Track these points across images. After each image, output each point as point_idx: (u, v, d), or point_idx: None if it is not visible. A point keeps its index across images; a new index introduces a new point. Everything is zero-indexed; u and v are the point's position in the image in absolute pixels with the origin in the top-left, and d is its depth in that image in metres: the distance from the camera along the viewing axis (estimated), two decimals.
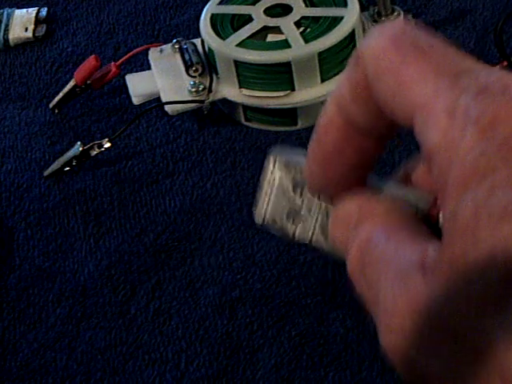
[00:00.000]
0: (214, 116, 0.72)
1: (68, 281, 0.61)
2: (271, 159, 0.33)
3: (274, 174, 0.34)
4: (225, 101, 0.70)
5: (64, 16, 0.86)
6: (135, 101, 0.71)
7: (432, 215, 0.30)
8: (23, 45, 0.83)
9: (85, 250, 0.63)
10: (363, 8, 0.72)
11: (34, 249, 0.64)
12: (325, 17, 0.69)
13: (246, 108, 0.70)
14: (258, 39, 0.69)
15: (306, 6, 0.70)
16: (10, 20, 0.84)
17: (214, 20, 0.70)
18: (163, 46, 0.73)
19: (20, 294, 0.61)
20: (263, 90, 0.68)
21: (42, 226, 0.65)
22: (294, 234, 0.33)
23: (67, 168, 0.69)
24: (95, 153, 0.68)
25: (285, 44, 0.67)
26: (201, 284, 0.59)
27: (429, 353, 0.25)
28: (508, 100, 0.24)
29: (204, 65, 0.70)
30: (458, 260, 0.24)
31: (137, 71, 0.75)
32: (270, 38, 0.69)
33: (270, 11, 0.71)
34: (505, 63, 0.72)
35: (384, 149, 0.29)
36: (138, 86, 0.71)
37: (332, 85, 0.68)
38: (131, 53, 0.75)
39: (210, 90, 0.69)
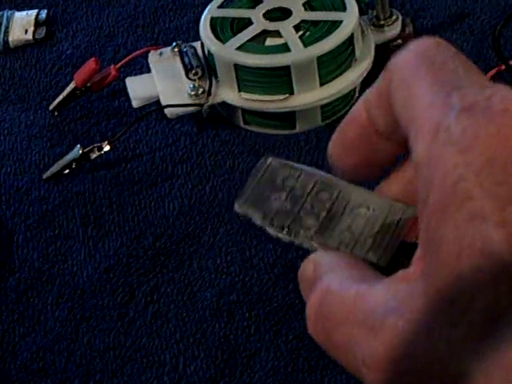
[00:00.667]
0: (213, 119, 0.72)
1: (67, 283, 0.62)
2: (268, 158, 0.34)
3: (268, 164, 0.34)
4: (224, 104, 0.70)
5: (64, 18, 0.86)
6: (135, 104, 0.71)
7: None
8: (23, 47, 0.83)
9: (84, 252, 0.64)
10: (362, 12, 0.72)
11: (33, 251, 0.64)
12: (324, 21, 0.69)
13: (244, 111, 0.70)
14: (257, 43, 0.69)
15: (306, 9, 0.71)
16: (10, 22, 0.84)
17: (214, 23, 0.71)
18: (163, 49, 0.73)
19: (19, 296, 0.61)
20: (262, 94, 0.68)
21: (41, 229, 0.66)
22: (272, 220, 0.33)
23: (67, 171, 0.69)
24: (95, 156, 0.68)
25: (284, 48, 0.67)
26: (199, 287, 0.60)
27: None
28: (489, 119, 0.24)
29: (203, 68, 0.70)
30: (438, 295, 0.24)
31: (136, 74, 0.75)
32: (270, 41, 0.70)
33: (270, 15, 0.71)
34: (502, 67, 0.72)
35: (401, 152, 0.30)
36: (138, 88, 0.72)
37: (330, 88, 0.68)
38: (131, 56, 0.76)
39: (209, 94, 0.69)
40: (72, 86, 0.74)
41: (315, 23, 0.69)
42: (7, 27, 0.84)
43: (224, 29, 0.70)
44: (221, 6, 0.72)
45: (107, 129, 0.73)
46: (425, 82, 0.27)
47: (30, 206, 0.68)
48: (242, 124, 0.71)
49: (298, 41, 0.67)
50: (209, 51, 0.70)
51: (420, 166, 0.25)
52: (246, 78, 0.68)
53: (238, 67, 0.67)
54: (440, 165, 0.24)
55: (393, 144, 0.30)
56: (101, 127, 0.73)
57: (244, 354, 0.56)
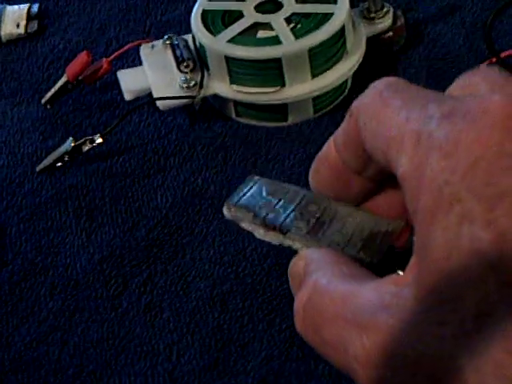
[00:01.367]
0: (205, 111, 0.72)
1: (60, 275, 0.62)
2: (255, 176, 0.35)
3: (256, 180, 0.35)
4: (216, 96, 0.70)
5: (56, 12, 0.86)
6: (127, 96, 0.71)
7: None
8: (15, 41, 0.83)
9: (77, 244, 0.64)
10: (353, 4, 0.73)
11: (26, 243, 0.64)
12: (315, 13, 0.69)
13: (236, 104, 0.70)
14: (248, 35, 0.69)
15: (297, 2, 0.71)
16: (2, 16, 0.84)
17: (205, 16, 0.71)
18: (155, 42, 0.74)
19: (12, 288, 0.61)
20: (254, 86, 0.68)
21: (34, 221, 0.66)
22: (263, 220, 0.33)
23: (59, 163, 0.69)
24: (87, 148, 0.69)
25: (275, 40, 0.67)
26: (192, 278, 0.60)
27: None
28: (469, 123, 0.25)
29: (195, 61, 0.70)
30: (429, 295, 0.25)
31: (128, 67, 0.75)
32: (261, 34, 0.70)
33: (261, 7, 0.71)
34: (494, 59, 0.72)
35: (373, 187, 0.32)
36: (130, 81, 0.72)
37: (322, 81, 0.68)
38: (123, 49, 0.76)
39: (201, 86, 0.69)
40: (64, 79, 0.74)
41: (306, 15, 0.69)
42: None
43: (215, 21, 0.70)
44: None
45: (99, 121, 0.73)
46: (394, 106, 0.28)
47: (23, 198, 0.68)
48: (234, 116, 0.72)
49: (290, 33, 0.67)
50: (200, 44, 0.70)
51: (406, 178, 0.26)
52: (238, 70, 0.68)
53: (229, 59, 0.67)
54: (426, 171, 0.25)
55: (365, 180, 0.32)
56: (93, 120, 0.73)
57: (237, 344, 0.56)
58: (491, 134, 0.24)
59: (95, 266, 0.62)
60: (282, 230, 0.33)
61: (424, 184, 0.25)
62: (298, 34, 0.67)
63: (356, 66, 0.70)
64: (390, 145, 0.27)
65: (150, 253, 0.62)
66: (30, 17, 0.84)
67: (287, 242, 0.33)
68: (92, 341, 0.58)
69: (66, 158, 0.69)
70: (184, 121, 0.72)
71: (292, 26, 0.69)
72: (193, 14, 0.71)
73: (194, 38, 0.71)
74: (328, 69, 0.69)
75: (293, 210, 0.34)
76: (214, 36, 0.69)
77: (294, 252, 0.33)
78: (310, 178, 0.34)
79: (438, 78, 0.73)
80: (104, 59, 0.74)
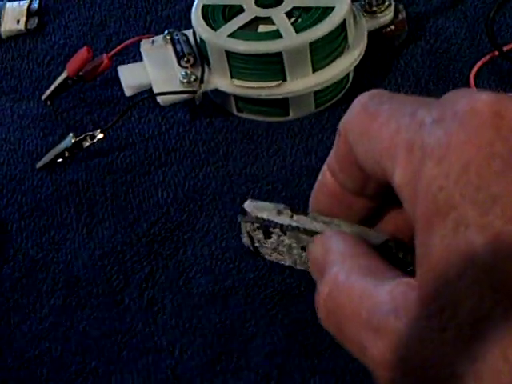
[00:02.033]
0: (205, 107, 0.72)
1: (62, 271, 0.62)
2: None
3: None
4: (216, 91, 0.70)
5: (56, 8, 0.86)
6: (127, 92, 0.71)
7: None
8: (15, 37, 0.83)
9: (78, 240, 0.63)
10: None
11: (27, 240, 0.64)
12: (316, 7, 0.69)
13: (237, 98, 0.70)
14: (249, 30, 0.69)
15: None
16: (2, 12, 0.84)
17: (206, 11, 0.70)
18: (155, 38, 0.73)
19: (14, 284, 0.61)
20: (255, 81, 0.68)
21: (35, 218, 0.66)
22: (282, 226, 0.33)
23: (60, 159, 0.69)
24: (88, 144, 0.68)
25: (276, 34, 0.67)
26: (194, 273, 0.60)
27: None
28: (459, 125, 0.25)
29: (196, 55, 0.70)
30: (430, 302, 0.25)
31: (129, 62, 0.75)
32: (262, 28, 0.70)
33: (262, 2, 0.71)
34: (496, 53, 0.72)
35: (374, 206, 0.32)
36: (130, 77, 0.72)
37: (323, 75, 0.68)
38: (123, 44, 0.75)
39: (201, 81, 0.69)
40: (64, 75, 0.74)
41: (307, 10, 0.69)
42: None
43: (216, 16, 0.70)
44: None
45: (100, 117, 0.73)
46: (382, 118, 0.28)
47: (24, 195, 0.67)
48: (234, 111, 0.71)
49: (290, 27, 0.67)
50: (201, 39, 0.70)
51: (402, 188, 0.26)
52: (239, 64, 0.68)
53: (229, 54, 0.67)
54: (421, 179, 0.25)
55: (365, 199, 0.32)
56: (93, 116, 0.73)
57: (240, 339, 0.56)
58: (481, 134, 0.24)
59: (96, 262, 0.62)
60: (306, 212, 0.33)
61: (420, 192, 0.25)
62: (298, 29, 0.67)
63: (357, 61, 0.70)
64: (384, 157, 0.27)
65: (152, 249, 0.62)
66: (30, 13, 0.84)
67: (308, 224, 0.33)
68: (94, 337, 0.57)
69: (67, 154, 0.68)
70: (185, 116, 0.72)
71: (293, 20, 0.69)
72: (193, 9, 0.71)
73: (194, 32, 0.71)
74: (329, 63, 0.68)
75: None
76: (215, 31, 0.68)
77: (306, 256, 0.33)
78: (310, 210, 0.34)
79: (440, 72, 0.72)
80: (104, 55, 0.74)
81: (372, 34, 0.72)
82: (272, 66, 0.67)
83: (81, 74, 0.73)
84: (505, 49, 0.72)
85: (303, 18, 0.69)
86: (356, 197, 0.32)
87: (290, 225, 0.33)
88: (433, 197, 0.24)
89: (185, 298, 0.58)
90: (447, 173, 0.24)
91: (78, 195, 0.67)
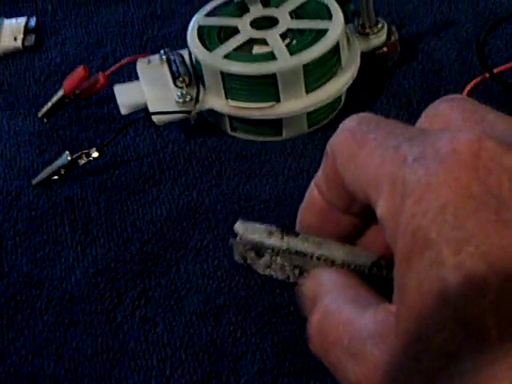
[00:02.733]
0: (200, 126, 0.73)
1: (55, 288, 0.62)
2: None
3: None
4: (211, 111, 0.71)
5: (53, 26, 0.87)
6: (123, 111, 0.72)
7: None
8: (12, 54, 0.84)
9: (72, 257, 0.64)
10: (348, 20, 0.73)
11: (22, 256, 0.65)
12: (310, 29, 0.70)
13: (232, 118, 0.71)
14: (244, 51, 0.70)
15: (292, 18, 0.72)
16: (0, 30, 0.85)
17: (201, 32, 0.71)
18: (151, 57, 0.74)
19: (8, 301, 0.62)
20: (249, 101, 0.69)
21: (30, 234, 0.66)
22: (273, 250, 0.34)
23: (55, 177, 0.69)
24: (83, 162, 0.69)
25: (270, 56, 0.68)
26: (186, 292, 0.60)
27: None
28: (438, 165, 0.25)
29: (191, 76, 0.71)
30: (405, 333, 0.26)
31: (125, 81, 0.75)
32: (256, 49, 0.71)
33: (257, 23, 0.72)
34: (487, 75, 0.73)
35: (361, 223, 0.33)
36: (126, 96, 0.72)
37: (316, 96, 0.69)
38: (119, 63, 0.76)
39: (196, 101, 0.70)
40: (61, 93, 0.74)
41: (301, 31, 0.70)
42: None
43: (211, 37, 0.71)
44: (208, 15, 0.73)
45: (96, 135, 0.74)
46: (369, 148, 0.28)
47: (19, 211, 0.68)
48: (229, 131, 0.72)
49: (285, 49, 0.68)
50: (196, 59, 0.70)
51: (384, 221, 0.27)
52: (233, 85, 0.68)
53: (224, 75, 0.68)
54: (401, 216, 0.26)
55: (353, 217, 0.32)
56: (89, 134, 0.74)
57: (230, 358, 0.56)
58: (459, 175, 0.25)
59: (90, 279, 0.62)
60: (296, 233, 0.34)
61: (400, 228, 0.26)
62: (292, 50, 0.68)
63: (350, 82, 0.71)
64: (368, 187, 0.28)
65: (145, 266, 0.63)
66: (27, 30, 0.85)
67: (298, 245, 0.34)
68: (86, 354, 0.58)
69: (63, 172, 0.69)
70: (179, 135, 0.73)
71: (287, 42, 0.70)
72: (189, 30, 0.72)
73: (190, 53, 0.72)
74: (322, 84, 0.69)
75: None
76: (210, 52, 0.69)
77: (307, 272, 0.34)
78: (297, 228, 0.35)
79: (431, 93, 0.73)
80: (100, 73, 0.74)
81: (365, 56, 0.73)
82: (266, 88, 0.68)
83: (77, 92, 0.74)
84: (495, 71, 0.73)
85: (297, 39, 0.70)
86: (343, 214, 0.32)
87: (281, 247, 0.34)
88: (411, 234, 0.25)
89: (176, 316, 0.59)
90: (425, 211, 0.25)
91: (73, 212, 0.67)
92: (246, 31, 0.71)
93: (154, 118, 0.70)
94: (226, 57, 0.68)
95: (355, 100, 0.74)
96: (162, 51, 0.73)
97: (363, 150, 0.28)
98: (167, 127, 0.73)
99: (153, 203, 0.67)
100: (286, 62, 0.67)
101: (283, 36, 0.70)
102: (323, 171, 0.31)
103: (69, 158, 0.69)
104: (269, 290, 0.59)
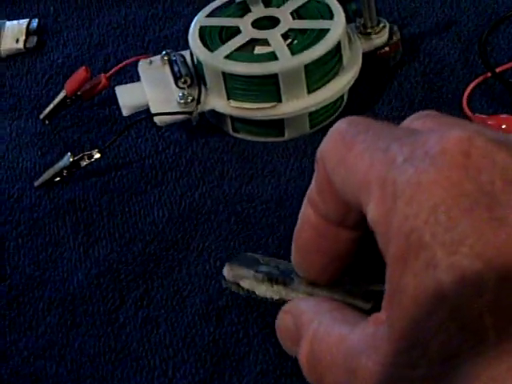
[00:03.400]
0: (202, 127, 0.73)
1: (58, 289, 0.62)
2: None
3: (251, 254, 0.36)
4: (213, 112, 0.71)
5: (55, 28, 0.87)
6: (124, 112, 0.72)
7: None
8: (14, 56, 0.84)
9: (74, 258, 0.64)
10: (349, 20, 0.73)
11: (24, 258, 0.65)
12: (311, 29, 0.70)
13: (233, 119, 0.71)
14: (245, 51, 0.70)
15: (294, 18, 0.71)
16: (1, 31, 0.85)
17: (203, 32, 0.71)
18: (152, 58, 0.74)
19: (10, 302, 0.62)
20: (251, 102, 0.69)
21: (32, 236, 0.66)
22: (266, 273, 0.34)
23: (57, 178, 0.69)
24: (85, 163, 0.69)
25: (272, 56, 0.68)
26: (188, 292, 0.60)
27: None
28: (428, 165, 0.25)
29: (193, 76, 0.71)
30: (400, 339, 0.25)
31: (126, 82, 0.75)
32: (258, 50, 0.70)
33: (258, 24, 0.72)
34: (489, 74, 0.73)
35: (358, 236, 0.32)
36: (128, 97, 0.72)
37: (318, 96, 0.69)
38: (121, 64, 0.76)
39: (198, 102, 0.70)
40: (62, 94, 0.75)
41: (303, 31, 0.70)
42: None
43: (213, 37, 0.71)
44: (209, 15, 0.73)
45: (97, 137, 0.74)
46: (358, 150, 0.28)
47: (21, 213, 0.68)
48: (231, 132, 0.72)
49: (286, 49, 0.68)
50: (198, 60, 0.70)
51: (375, 224, 0.27)
52: (235, 86, 0.68)
53: (226, 75, 0.68)
54: (393, 219, 0.26)
55: (349, 230, 0.32)
56: (91, 135, 0.74)
57: (233, 358, 0.56)
58: (450, 174, 0.25)
59: (92, 280, 0.62)
60: (285, 282, 0.34)
61: (392, 231, 0.25)
62: (294, 50, 0.68)
63: (352, 82, 0.71)
64: (359, 190, 0.27)
65: (147, 267, 0.63)
66: (29, 32, 0.85)
67: (290, 295, 0.34)
68: (89, 355, 0.58)
69: (65, 173, 0.69)
70: (181, 136, 0.73)
71: (289, 41, 0.70)
72: (190, 30, 0.72)
73: (191, 53, 0.72)
74: (324, 84, 0.69)
75: (291, 271, 0.34)
76: (212, 52, 0.69)
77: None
78: (293, 256, 0.34)
79: (433, 93, 0.73)
80: (102, 75, 0.75)
81: (366, 56, 0.73)
82: (268, 88, 0.68)
83: (79, 93, 0.74)
84: (498, 70, 0.73)
85: (299, 39, 0.70)
86: (339, 228, 0.31)
87: (272, 297, 0.34)
88: (404, 236, 0.25)
89: (179, 317, 0.59)
90: (417, 213, 0.25)
91: (75, 214, 0.67)
92: (247, 31, 0.71)
93: (156, 119, 0.70)
94: (228, 57, 0.68)
95: (357, 100, 0.74)
96: (163, 52, 0.73)
97: (352, 152, 0.28)
98: (169, 128, 0.73)
99: (155, 204, 0.67)
100: (287, 62, 0.67)
101: (285, 36, 0.70)
102: (315, 181, 0.31)
103: (71, 160, 0.69)
104: None
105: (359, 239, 0.32)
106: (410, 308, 0.25)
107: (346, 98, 0.73)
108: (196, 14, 0.73)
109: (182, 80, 0.70)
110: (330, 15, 0.70)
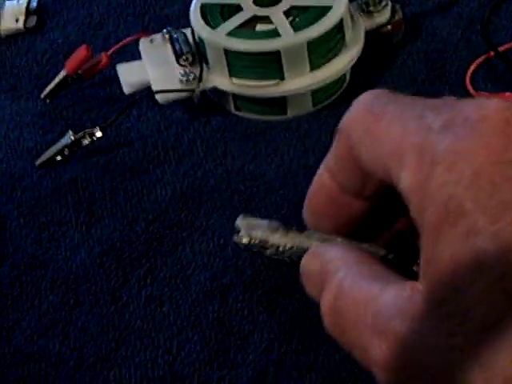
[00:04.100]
0: (204, 105, 0.72)
1: (60, 268, 0.62)
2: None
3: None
4: (215, 90, 0.70)
5: (54, 7, 0.86)
6: (126, 90, 0.71)
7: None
8: (14, 36, 0.83)
9: (77, 238, 0.64)
10: None
11: (26, 237, 0.64)
12: (313, 6, 0.69)
13: (236, 97, 0.71)
14: (247, 29, 0.69)
15: None
16: (1, 11, 0.84)
17: (204, 9, 0.71)
18: (153, 36, 0.74)
19: (13, 281, 0.62)
20: (253, 79, 0.68)
21: (34, 215, 0.66)
22: (278, 247, 0.34)
23: (59, 157, 0.69)
24: (86, 142, 0.69)
25: (274, 33, 0.67)
26: (192, 270, 0.60)
27: None
28: (469, 132, 0.25)
29: (194, 54, 0.70)
30: (437, 308, 0.25)
31: (127, 61, 0.75)
32: (260, 27, 0.70)
33: (260, 1, 0.71)
34: (491, 53, 0.72)
35: (370, 207, 0.32)
36: (129, 75, 0.72)
37: (321, 74, 0.68)
38: (122, 43, 0.76)
39: (200, 79, 0.69)
40: (63, 73, 0.74)
41: (305, 9, 0.70)
42: None
43: (214, 15, 0.70)
44: None
45: (99, 116, 0.73)
46: (388, 119, 0.27)
47: (23, 192, 0.68)
48: (233, 110, 0.72)
49: (288, 26, 0.67)
50: (199, 37, 0.70)
51: (410, 192, 0.26)
52: (237, 63, 0.68)
53: (228, 53, 0.68)
54: (430, 186, 0.25)
55: (363, 201, 0.31)
56: (92, 114, 0.74)
57: (237, 336, 0.56)
58: (491, 141, 0.24)
59: (95, 259, 0.62)
60: (300, 230, 0.33)
61: (428, 198, 0.25)
62: (296, 27, 0.67)
63: (355, 60, 0.71)
64: (390, 160, 0.27)
65: (150, 246, 0.62)
66: (28, 12, 0.84)
67: (304, 242, 0.33)
68: (92, 334, 0.58)
69: (66, 152, 0.69)
70: (183, 115, 0.72)
71: (291, 19, 0.69)
72: (192, 8, 0.71)
73: (192, 31, 0.71)
74: (327, 62, 0.69)
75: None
76: (213, 29, 0.69)
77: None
78: (304, 215, 0.33)
79: (435, 72, 0.73)
80: (103, 53, 0.74)
81: (369, 34, 0.73)
82: (270, 65, 0.67)
83: (80, 72, 0.74)
84: (500, 49, 0.72)
85: (301, 17, 0.69)
86: (354, 198, 0.31)
87: (285, 245, 0.34)
88: (443, 203, 0.24)
89: (183, 295, 0.59)
90: (458, 179, 0.24)
91: (77, 193, 0.67)
92: (249, 8, 0.70)
93: (158, 97, 0.69)
94: (230, 34, 0.68)
95: (359, 79, 0.73)
96: (164, 30, 0.73)
97: (381, 122, 0.27)
98: (171, 107, 0.72)
99: (157, 183, 0.67)
100: (289, 39, 0.67)
101: (287, 13, 0.69)
102: (335, 152, 0.30)
103: (72, 138, 0.68)
104: (275, 268, 0.59)
105: (371, 212, 0.32)
106: (448, 274, 0.24)
107: (348, 76, 0.73)
108: None
109: (184, 58, 0.70)
110: None
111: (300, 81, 0.68)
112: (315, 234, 0.33)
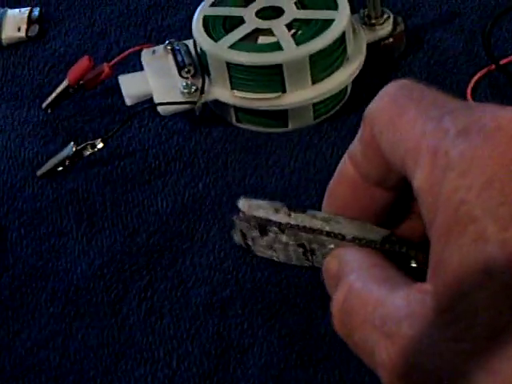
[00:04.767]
0: (205, 117, 0.72)
1: (61, 280, 0.62)
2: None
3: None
4: (216, 102, 0.71)
5: (56, 16, 0.86)
6: (128, 101, 0.72)
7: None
8: (16, 45, 0.83)
9: (77, 249, 0.64)
10: (354, 10, 0.73)
11: (27, 248, 0.64)
12: (316, 19, 0.69)
13: (237, 109, 0.71)
14: (249, 41, 0.69)
15: (298, 8, 0.71)
16: (3, 20, 0.84)
17: (207, 22, 0.71)
18: (156, 47, 0.74)
19: (13, 293, 0.62)
20: (255, 92, 0.68)
21: (35, 226, 0.66)
22: (280, 225, 0.33)
23: (60, 168, 0.69)
24: (88, 153, 0.69)
25: (276, 46, 0.67)
26: (192, 283, 0.60)
27: None
28: (484, 140, 0.25)
29: (196, 66, 0.71)
30: (445, 311, 0.25)
31: (129, 72, 0.75)
32: (262, 40, 0.70)
33: (262, 13, 0.71)
34: (493, 66, 0.72)
35: (393, 197, 0.32)
36: (131, 86, 0.72)
37: (322, 87, 0.69)
38: (124, 53, 0.76)
39: (202, 92, 0.69)
40: (65, 83, 0.74)
41: (307, 22, 0.70)
42: (0, 25, 0.84)
43: (216, 27, 0.70)
44: (213, 5, 0.73)
45: (100, 126, 0.73)
46: (410, 116, 0.28)
47: (24, 203, 0.68)
48: (234, 122, 0.72)
49: (291, 39, 0.68)
50: (201, 49, 0.70)
51: (422, 193, 0.26)
52: (239, 76, 0.68)
53: (230, 65, 0.68)
54: (442, 190, 0.25)
55: (385, 190, 0.31)
56: (94, 125, 0.74)
57: (237, 350, 0.56)
58: (505, 151, 0.24)
59: (96, 271, 0.62)
60: (304, 210, 0.33)
61: (440, 201, 0.25)
62: (298, 41, 0.67)
63: (356, 73, 0.71)
64: (407, 156, 0.27)
65: (151, 258, 0.62)
66: (30, 21, 0.84)
67: (306, 221, 0.33)
68: (92, 346, 0.58)
69: (67, 163, 0.69)
70: (185, 126, 0.72)
71: (293, 32, 0.70)
72: (194, 20, 0.71)
73: (195, 43, 0.71)
74: (328, 75, 0.69)
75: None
76: (215, 42, 0.69)
77: (311, 251, 0.33)
78: (325, 204, 0.33)
79: (437, 85, 0.73)
80: (105, 64, 0.74)
81: (371, 47, 0.73)
82: (272, 78, 0.67)
83: (82, 82, 0.74)
84: (501, 62, 0.73)
85: (303, 30, 0.69)
86: (376, 188, 0.31)
87: (288, 223, 0.33)
88: (453, 208, 0.25)
89: (183, 308, 0.59)
90: (470, 186, 0.24)
91: (78, 204, 0.67)
92: (251, 21, 0.70)
93: (159, 108, 0.69)
94: (232, 47, 0.68)
95: (361, 91, 0.73)
96: (166, 41, 0.73)
97: (404, 117, 0.28)
98: (172, 118, 0.72)
99: (158, 195, 0.67)
100: (291, 52, 0.67)
101: (289, 26, 0.70)
102: (359, 139, 0.30)
103: (74, 149, 0.68)
104: (275, 282, 0.59)
105: (392, 203, 0.32)
106: (456, 278, 0.24)
107: (350, 89, 0.73)
108: (199, 3, 0.73)
109: (186, 69, 0.70)
110: (334, 5, 0.70)
111: (301, 94, 0.68)
112: (318, 213, 0.33)
